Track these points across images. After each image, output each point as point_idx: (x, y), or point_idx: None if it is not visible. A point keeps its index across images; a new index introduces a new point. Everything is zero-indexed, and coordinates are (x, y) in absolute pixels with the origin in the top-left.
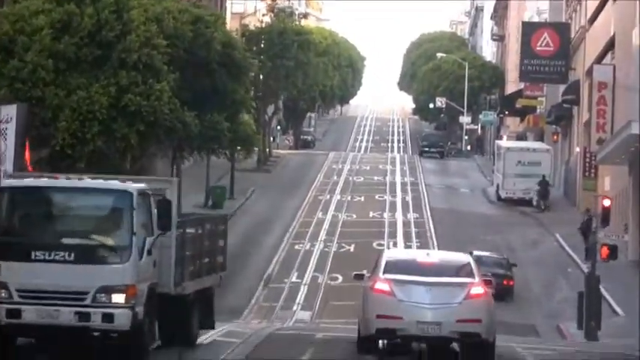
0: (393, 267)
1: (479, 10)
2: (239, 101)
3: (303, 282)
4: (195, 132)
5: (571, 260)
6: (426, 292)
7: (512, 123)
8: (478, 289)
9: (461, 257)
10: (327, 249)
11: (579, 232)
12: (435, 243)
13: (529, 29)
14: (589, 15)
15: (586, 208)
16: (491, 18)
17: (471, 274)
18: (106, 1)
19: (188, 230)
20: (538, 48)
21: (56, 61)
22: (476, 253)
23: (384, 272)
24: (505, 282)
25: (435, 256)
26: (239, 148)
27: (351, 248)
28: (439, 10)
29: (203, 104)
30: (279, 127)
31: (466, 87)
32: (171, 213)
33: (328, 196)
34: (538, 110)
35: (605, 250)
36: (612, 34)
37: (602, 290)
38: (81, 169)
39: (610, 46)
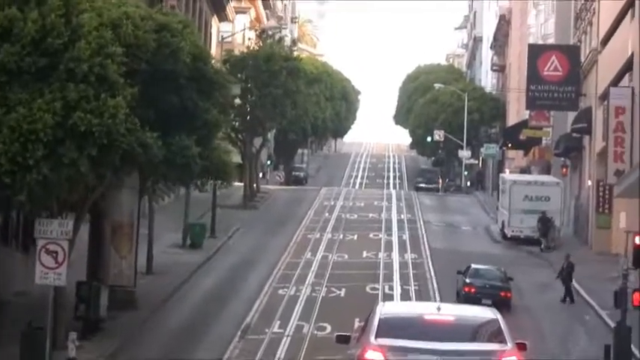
0: (390, 327)
1: (477, 40)
2: (212, 123)
3: (286, 332)
4: (159, 157)
5: (587, 306)
6: None
7: (516, 156)
8: None
9: (485, 313)
10: (314, 294)
11: (559, 280)
12: (436, 286)
13: (536, 52)
14: (601, 36)
15: (567, 254)
16: (490, 48)
17: (499, 338)
18: (52, 4)
19: None
20: (545, 73)
21: None
22: (474, 266)
23: (378, 335)
24: (502, 294)
25: (448, 311)
26: (212, 178)
27: (342, 293)
28: (435, 44)
29: (169, 125)
30: (269, 162)
31: (465, 119)
32: None
33: (318, 235)
34: (544, 142)
35: (637, 297)
36: (630, 54)
37: None
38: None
39: (627, 67)
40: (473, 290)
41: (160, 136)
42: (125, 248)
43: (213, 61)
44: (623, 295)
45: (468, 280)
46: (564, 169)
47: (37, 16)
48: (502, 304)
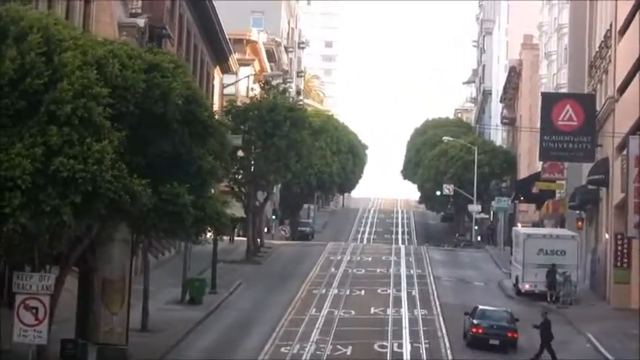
0: None
1: (486, 93)
2: (206, 170)
3: None
4: (148, 206)
5: None
6: None
7: (528, 210)
8: None
9: None
10: (319, 352)
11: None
12: (448, 344)
13: (549, 101)
14: (618, 84)
15: (543, 311)
16: (500, 101)
17: None
18: (32, 41)
19: None
20: (560, 122)
21: None
22: (481, 307)
23: None
24: (509, 334)
25: None
26: (208, 229)
27: (348, 351)
28: (443, 99)
29: (160, 172)
30: (274, 217)
31: (475, 173)
32: None
33: (324, 290)
34: (557, 195)
35: None
36: None
37: None
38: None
39: None
40: (480, 331)
41: (149, 183)
42: (116, 304)
43: (214, 107)
44: None
45: (475, 321)
46: (580, 223)
47: (15, 54)
48: (509, 345)
